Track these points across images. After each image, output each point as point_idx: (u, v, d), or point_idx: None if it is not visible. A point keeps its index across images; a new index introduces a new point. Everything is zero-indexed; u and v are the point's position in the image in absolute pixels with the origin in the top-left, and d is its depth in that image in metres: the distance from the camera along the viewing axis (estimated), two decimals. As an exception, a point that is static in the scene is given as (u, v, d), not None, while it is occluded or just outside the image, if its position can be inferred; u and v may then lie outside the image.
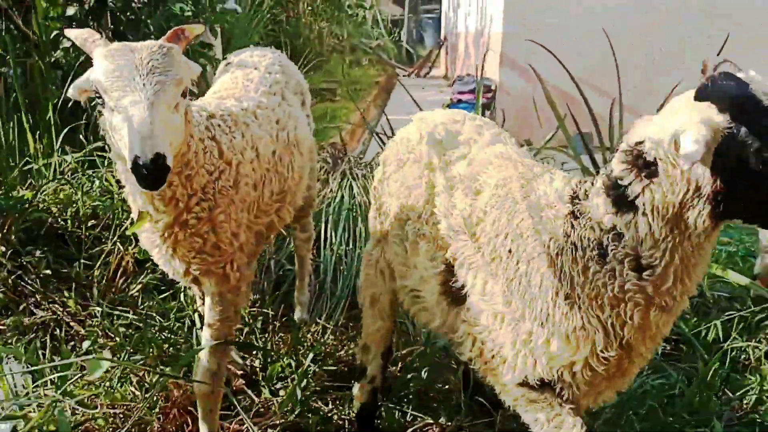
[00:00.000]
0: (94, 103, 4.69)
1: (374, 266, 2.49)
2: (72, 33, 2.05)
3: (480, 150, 2.20)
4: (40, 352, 2.89)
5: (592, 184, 1.78)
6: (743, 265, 4.36)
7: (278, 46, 12.89)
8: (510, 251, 1.88)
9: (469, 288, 1.98)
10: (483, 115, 8.83)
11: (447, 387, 3.15)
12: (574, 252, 1.74)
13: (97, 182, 4.36)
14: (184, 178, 2.14)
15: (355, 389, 2.72)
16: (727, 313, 3.52)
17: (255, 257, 2.74)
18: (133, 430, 2.58)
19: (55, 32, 4.79)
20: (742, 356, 3.38)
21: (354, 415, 2.80)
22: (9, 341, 3.05)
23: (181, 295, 3.29)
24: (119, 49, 1.90)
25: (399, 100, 13.26)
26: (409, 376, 3.14)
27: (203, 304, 2.80)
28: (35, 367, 2.52)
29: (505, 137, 2.35)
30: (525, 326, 1.85)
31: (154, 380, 2.81)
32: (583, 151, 4.89)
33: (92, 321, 3.27)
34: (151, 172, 1.74)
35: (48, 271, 3.41)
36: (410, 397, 3.03)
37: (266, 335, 3.36)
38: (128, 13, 4.90)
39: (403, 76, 18.31)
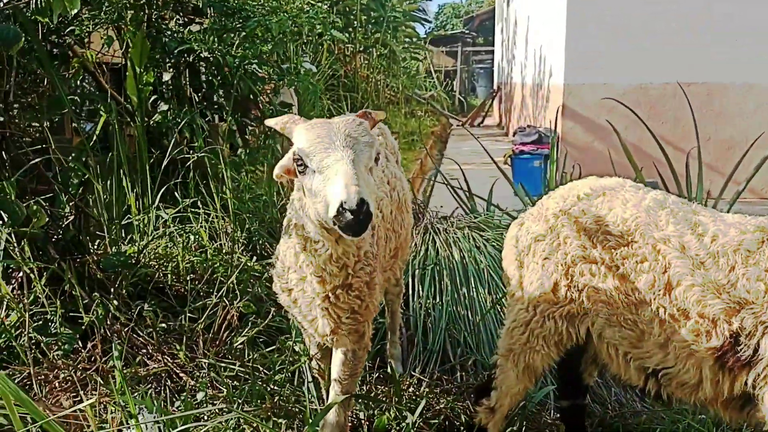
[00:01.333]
0: (189, 163, 4.91)
1: (540, 338, 2.51)
2: (272, 122, 2.26)
3: (712, 220, 2.26)
4: (160, 403, 3.03)
5: None
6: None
7: (338, 100, 13.31)
8: None
9: (766, 353, 2.04)
10: (546, 165, 8.91)
11: (546, 442, 3.18)
12: None
13: (192, 237, 4.59)
14: (356, 246, 2.31)
15: None
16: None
17: None
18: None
19: (153, 97, 5.10)
20: None
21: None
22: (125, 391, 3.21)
23: (297, 346, 3.41)
24: (318, 122, 2.12)
25: (456, 149, 13.46)
26: (508, 430, 3.18)
27: (319, 357, 2.93)
28: (167, 417, 2.66)
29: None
30: None
31: (267, 432, 2.92)
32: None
33: (200, 373, 3.41)
34: (357, 218, 1.87)
35: (163, 325, 3.59)
36: (511, 451, 3.08)
37: (365, 387, 3.45)
38: (219, 78, 5.19)
39: (457, 125, 18.57)
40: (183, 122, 4.73)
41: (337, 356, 2.58)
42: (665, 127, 8.48)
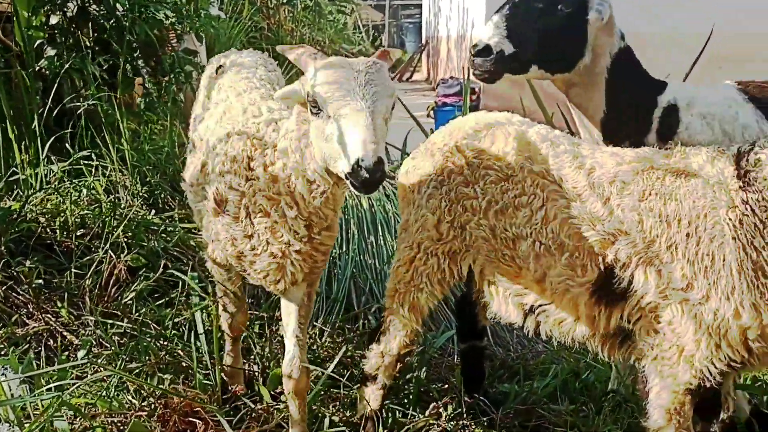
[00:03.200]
0: (79, 111, 4.62)
1: (424, 275, 2.44)
2: (284, 48, 2.14)
3: (590, 152, 2.23)
4: (34, 362, 2.83)
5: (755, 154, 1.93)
6: None
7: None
8: (688, 235, 1.96)
9: (640, 285, 2.03)
10: (468, 117, 8.87)
11: (446, 386, 3.14)
12: (753, 218, 1.87)
13: (84, 191, 4.32)
14: None
15: (367, 394, 2.69)
16: None
17: None
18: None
19: (38, 41, 4.73)
20: None
21: (360, 418, 2.76)
22: (2, 352, 3.00)
23: (207, 297, 3.25)
24: (337, 63, 1.98)
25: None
26: (408, 376, 3.13)
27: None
28: (31, 373, 2.48)
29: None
30: (710, 305, 1.92)
31: (152, 388, 2.78)
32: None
33: (86, 330, 3.22)
34: (373, 177, 1.79)
35: (40, 281, 3.36)
36: (410, 397, 3.02)
37: (263, 339, 3.34)
38: (112, 21, 4.85)
39: (386, 80, 18.34)
40: (65, 67, 4.39)
41: (292, 306, 2.47)
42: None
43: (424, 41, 18.72)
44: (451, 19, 12.72)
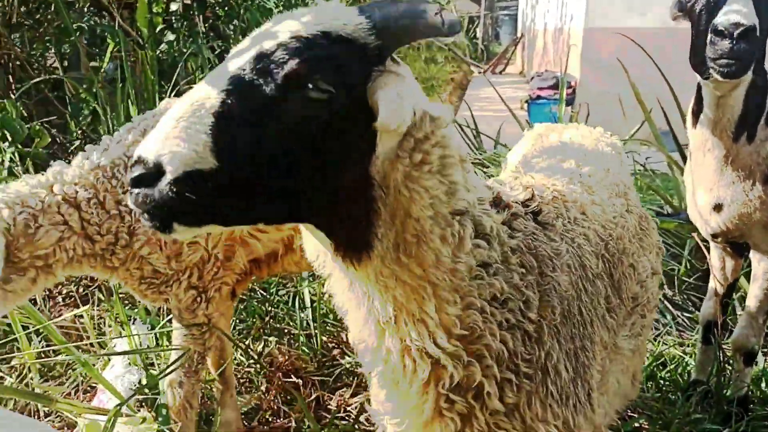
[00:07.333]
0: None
1: None
2: None
3: None
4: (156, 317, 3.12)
5: None
6: None
7: (356, 42, 13.21)
8: None
9: None
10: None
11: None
12: None
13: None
14: None
15: None
16: None
17: None
18: (242, 389, 2.79)
19: (159, 27, 5.09)
20: None
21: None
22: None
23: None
24: None
25: (474, 96, 13.28)
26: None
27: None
28: (160, 330, 2.74)
29: None
30: None
31: (259, 348, 3.01)
32: (674, 148, 4.79)
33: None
34: None
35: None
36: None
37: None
38: (226, 8, 5.16)
39: (479, 73, 18.28)
40: (188, 53, 4.71)
41: None
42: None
43: (518, 34, 18.53)
44: (549, 12, 12.55)
